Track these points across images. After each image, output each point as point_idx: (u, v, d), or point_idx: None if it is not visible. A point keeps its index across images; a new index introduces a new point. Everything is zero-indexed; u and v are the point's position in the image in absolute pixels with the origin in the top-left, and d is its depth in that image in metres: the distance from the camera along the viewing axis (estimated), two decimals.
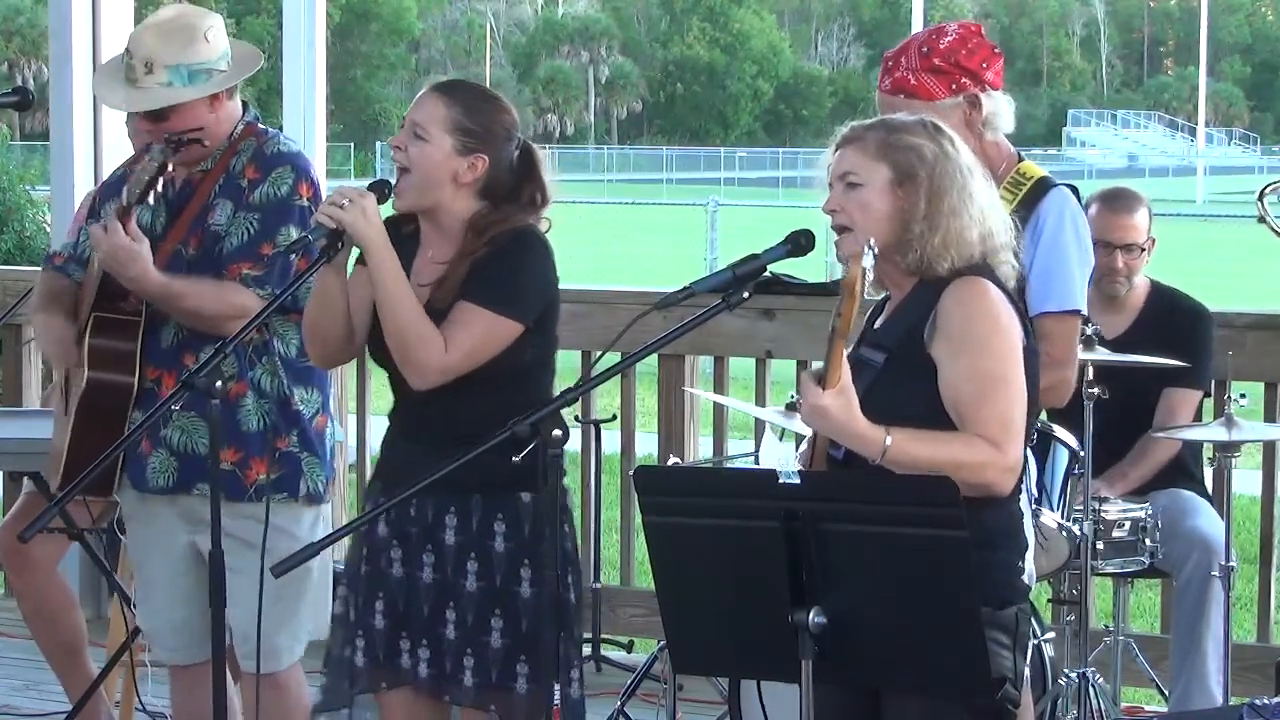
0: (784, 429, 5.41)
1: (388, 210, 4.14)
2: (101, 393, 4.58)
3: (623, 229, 34.51)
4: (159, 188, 4.47)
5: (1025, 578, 3.76)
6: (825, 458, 3.73)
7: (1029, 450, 3.77)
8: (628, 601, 6.90)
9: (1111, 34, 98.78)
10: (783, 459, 3.60)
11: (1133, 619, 7.96)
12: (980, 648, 3.42)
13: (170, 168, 4.48)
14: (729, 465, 6.40)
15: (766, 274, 3.74)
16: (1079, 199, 4.59)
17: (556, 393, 3.73)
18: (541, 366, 4.21)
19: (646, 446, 7.41)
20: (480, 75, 77.88)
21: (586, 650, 6.64)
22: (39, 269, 5.07)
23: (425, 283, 4.13)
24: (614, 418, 6.80)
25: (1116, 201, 5.80)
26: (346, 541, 4.33)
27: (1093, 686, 5.21)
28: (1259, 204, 5.25)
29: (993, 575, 3.60)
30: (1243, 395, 5.47)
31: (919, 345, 3.64)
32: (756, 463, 5.58)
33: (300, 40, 7.07)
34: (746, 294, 3.67)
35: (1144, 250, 5.78)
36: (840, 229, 3.71)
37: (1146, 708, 6.36)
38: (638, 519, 4.80)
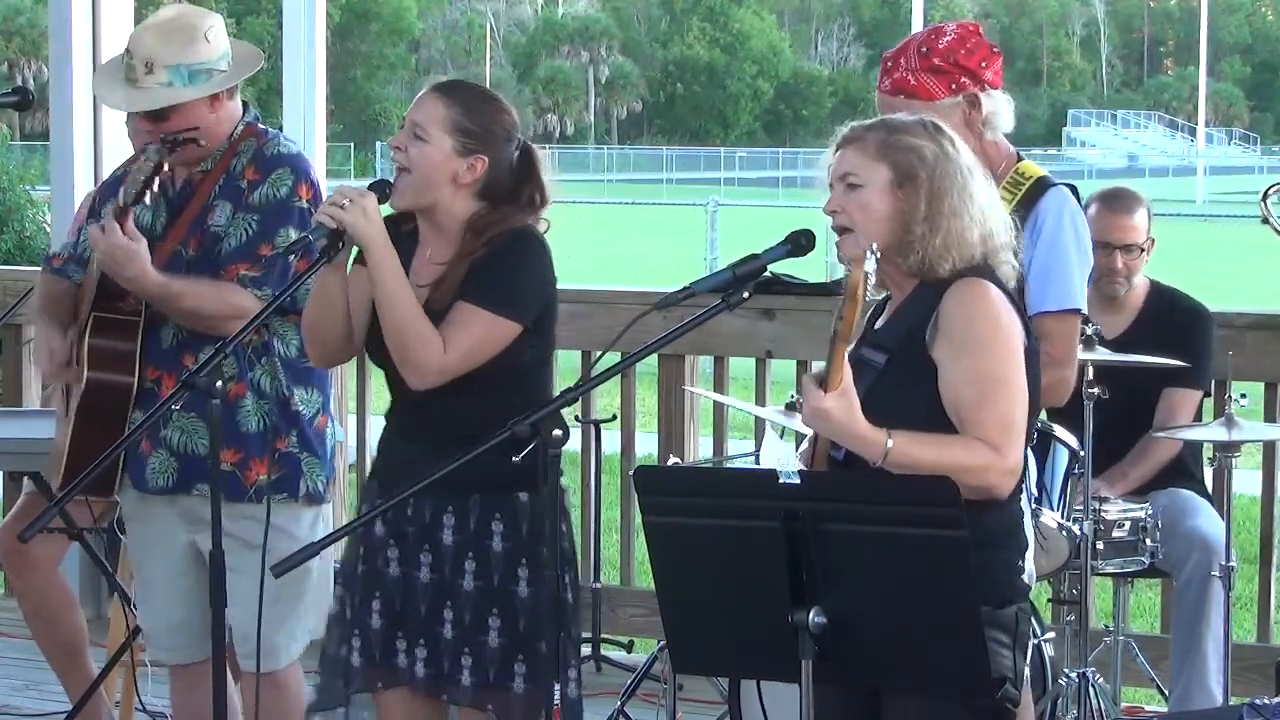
0: (784, 428, 5.41)
1: (387, 210, 4.15)
2: (101, 393, 4.58)
3: (623, 229, 34.51)
4: (155, 187, 4.46)
5: (1025, 577, 3.76)
6: (826, 458, 3.73)
7: (1029, 450, 3.77)
8: (628, 601, 6.90)
9: (1111, 34, 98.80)
10: (783, 459, 3.59)
11: (1133, 619, 7.96)
12: (980, 648, 3.42)
13: (166, 167, 4.48)
14: (729, 465, 6.40)
15: (766, 274, 3.74)
16: (1078, 198, 4.59)
17: (556, 392, 3.73)
18: (540, 366, 4.22)
19: (646, 446, 7.41)
20: (480, 75, 77.87)
21: (586, 650, 6.65)
22: (39, 269, 5.07)
23: (423, 283, 4.13)
24: (614, 418, 6.80)
25: (1116, 202, 5.80)
26: (345, 541, 4.33)
27: (1093, 686, 5.21)
28: (1262, 205, 5.24)
29: (993, 575, 3.60)
30: (1243, 395, 5.47)
31: (920, 346, 3.64)
32: (757, 463, 5.58)
33: (300, 40, 7.07)
34: (746, 294, 3.67)
35: (1143, 250, 5.78)
36: (841, 230, 3.71)
37: (1146, 708, 6.36)
38: (638, 519, 4.80)
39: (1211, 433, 5.40)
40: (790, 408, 5.43)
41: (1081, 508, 5.03)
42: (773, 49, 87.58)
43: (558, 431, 3.53)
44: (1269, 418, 6.23)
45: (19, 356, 7.44)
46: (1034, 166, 4.57)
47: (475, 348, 4.07)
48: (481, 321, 4.07)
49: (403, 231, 4.17)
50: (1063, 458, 4.95)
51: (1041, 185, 4.50)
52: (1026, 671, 3.79)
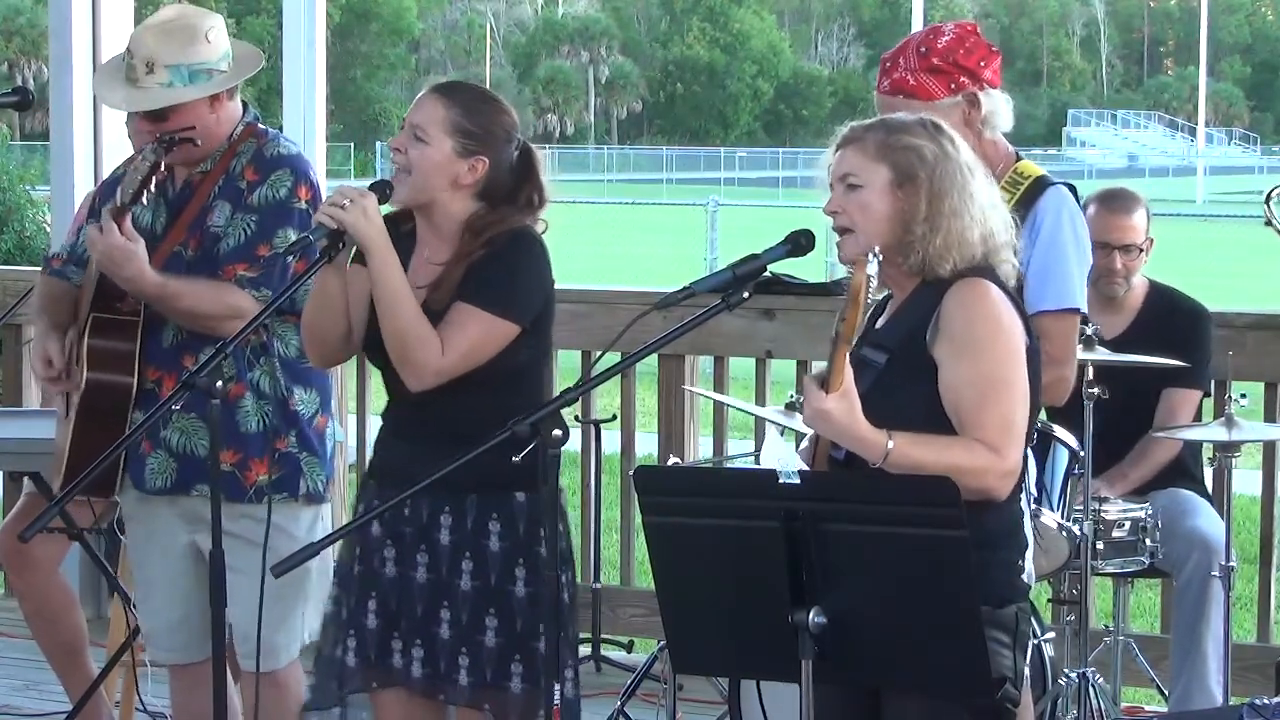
0: (784, 427, 5.41)
1: (385, 209, 4.15)
2: (100, 393, 4.58)
3: (623, 229, 34.51)
4: (153, 187, 4.46)
5: (1025, 577, 3.76)
6: (827, 458, 3.73)
7: (1029, 450, 3.77)
8: (628, 601, 6.90)
9: (1111, 34, 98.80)
10: (784, 459, 3.59)
11: (1133, 619, 7.96)
12: (980, 648, 3.42)
13: (164, 168, 4.48)
14: (729, 465, 6.41)
15: (766, 274, 3.75)
16: (1077, 198, 4.60)
17: (553, 391, 3.73)
18: (536, 367, 4.22)
19: (646, 446, 7.41)
20: (480, 75, 77.90)
21: (586, 650, 6.65)
22: (39, 269, 5.07)
23: (421, 283, 4.13)
24: (614, 418, 6.81)
25: (1114, 202, 5.80)
26: (342, 540, 4.33)
27: (1093, 686, 5.21)
28: (1266, 208, 5.24)
29: (992, 574, 3.60)
30: (1243, 395, 5.47)
31: (921, 346, 3.64)
32: (757, 463, 5.58)
33: (300, 40, 7.07)
34: (746, 294, 3.67)
35: (1142, 251, 5.79)
36: (842, 230, 3.71)
37: (1146, 708, 6.36)
38: (638, 519, 4.80)
39: (1211, 433, 5.40)
40: (790, 408, 5.44)
41: (1081, 508, 5.03)
42: (773, 49, 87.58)
43: (557, 432, 3.53)
44: (1269, 418, 6.23)
45: (19, 356, 7.44)
46: (1033, 166, 4.57)
47: (473, 349, 4.07)
48: (480, 323, 4.07)
49: (401, 231, 4.17)
50: (1063, 458, 4.95)
51: (1040, 184, 4.50)
52: (1026, 671, 3.79)
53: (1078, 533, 4.98)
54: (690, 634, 3.61)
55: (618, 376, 4.40)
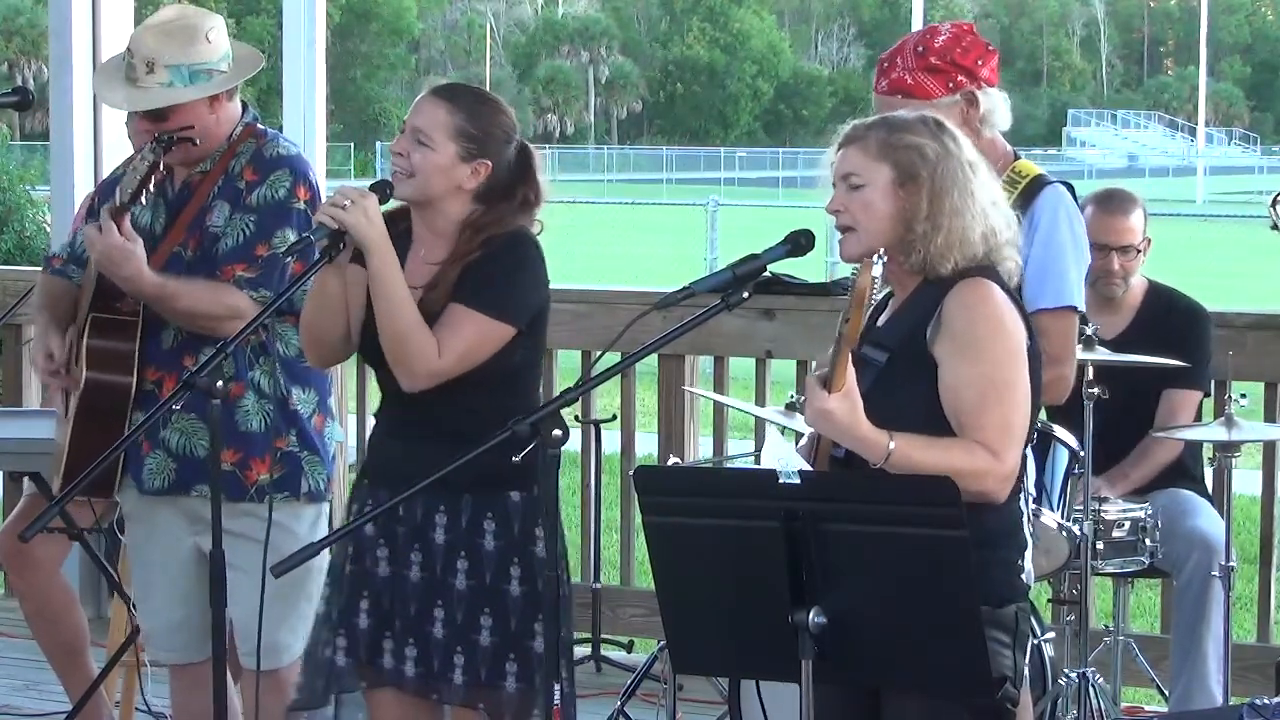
0: (784, 427, 5.41)
1: (384, 208, 4.15)
2: (100, 393, 4.58)
3: (623, 229, 34.49)
4: (152, 187, 4.46)
5: (1024, 577, 3.76)
6: (828, 457, 3.73)
7: (1029, 450, 3.77)
8: (628, 601, 6.90)
9: (1111, 34, 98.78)
10: (785, 458, 3.59)
11: (1133, 619, 7.96)
12: (980, 647, 3.42)
13: (162, 167, 4.48)
14: (729, 465, 6.40)
15: (766, 274, 3.75)
16: (1074, 196, 4.60)
17: (545, 390, 3.73)
18: (530, 368, 4.24)
19: (646, 446, 7.41)
20: (480, 75, 77.92)
21: (586, 650, 6.65)
22: (39, 269, 5.07)
23: (417, 283, 4.13)
24: (614, 418, 6.81)
25: (1111, 203, 5.80)
26: None
27: (1093, 686, 5.21)
28: (1271, 210, 5.23)
29: (992, 574, 3.61)
30: (1243, 395, 5.47)
31: (921, 346, 3.64)
32: (757, 463, 5.58)
33: (300, 40, 7.07)
34: (746, 294, 3.67)
35: (1140, 251, 5.79)
36: (844, 229, 3.71)
37: (1146, 708, 6.36)
38: (638, 519, 4.80)
39: (1211, 433, 5.40)
40: (790, 408, 5.44)
41: (1081, 508, 5.03)
42: (773, 49, 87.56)
43: (557, 432, 3.53)
44: (1269, 418, 6.23)
45: (19, 356, 7.44)
46: (1031, 165, 4.58)
47: (469, 351, 4.08)
48: (476, 325, 4.08)
49: (396, 230, 4.17)
50: (1063, 458, 4.95)
51: (1038, 183, 4.51)
52: (1026, 671, 3.79)
53: (1078, 533, 4.98)
54: (690, 634, 3.61)
55: (618, 376, 4.39)
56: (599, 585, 6.79)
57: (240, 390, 4.57)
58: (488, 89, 4.48)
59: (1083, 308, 4.57)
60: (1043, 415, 4.70)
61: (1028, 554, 3.80)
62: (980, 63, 4.47)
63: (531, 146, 4.25)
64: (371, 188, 4.11)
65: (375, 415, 4.34)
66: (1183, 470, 5.81)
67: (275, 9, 54.23)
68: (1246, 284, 24.28)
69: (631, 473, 4.78)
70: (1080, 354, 4.78)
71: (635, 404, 6.96)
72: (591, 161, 62.95)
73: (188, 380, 3.94)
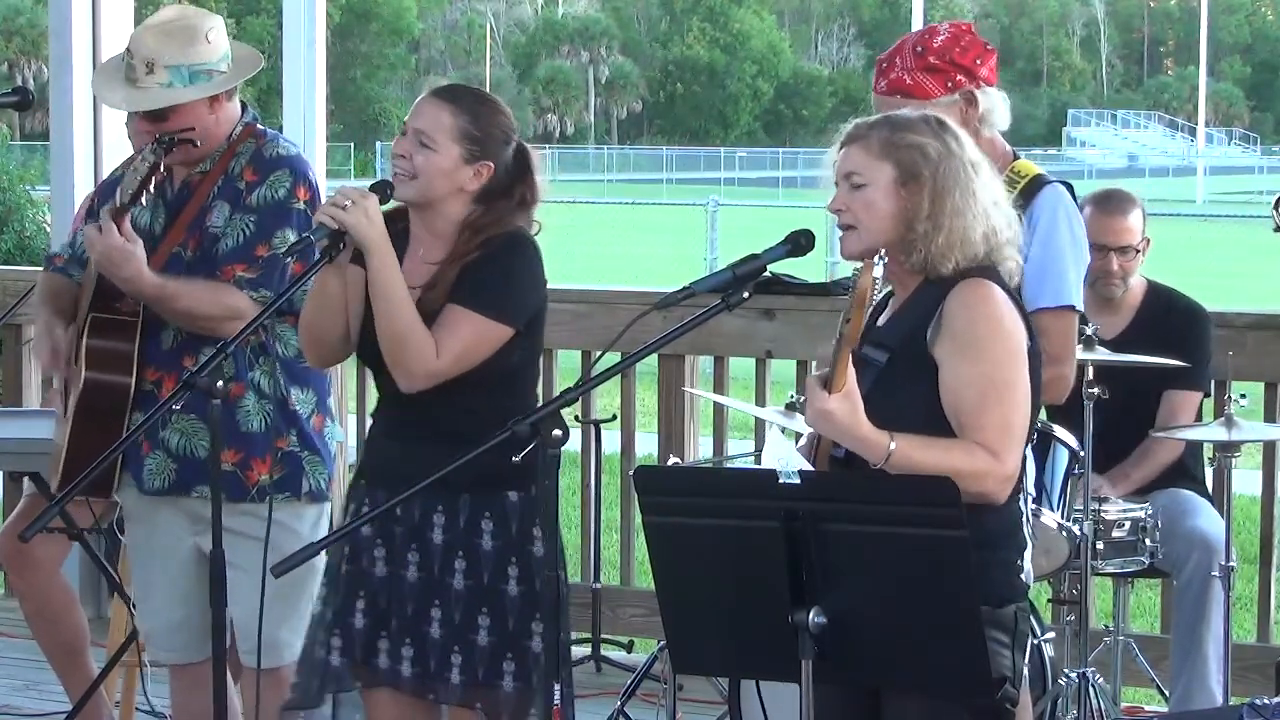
0: (783, 427, 5.41)
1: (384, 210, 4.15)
2: (99, 393, 4.58)
3: (623, 229, 34.50)
4: (152, 188, 4.46)
5: (1024, 576, 3.76)
6: (828, 456, 3.73)
7: (1029, 450, 3.77)
8: (628, 601, 6.90)
9: (1111, 34, 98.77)
10: (786, 458, 3.59)
11: (1133, 619, 7.96)
12: (980, 648, 3.42)
13: (162, 168, 4.48)
14: (729, 465, 6.40)
15: (766, 274, 3.75)
16: (1073, 196, 4.60)
17: (542, 390, 3.73)
18: (527, 368, 4.25)
19: (646, 446, 7.41)
20: (480, 75, 77.93)
21: (586, 650, 6.65)
22: (39, 269, 5.07)
23: (416, 283, 4.13)
24: (614, 418, 6.81)
25: (1109, 204, 5.80)
26: None
27: (1093, 686, 5.21)
28: (1274, 213, 5.23)
29: (992, 574, 3.60)
30: (1243, 395, 5.48)
31: (922, 346, 3.64)
32: (757, 462, 5.58)
33: (300, 40, 7.07)
34: (746, 294, 3.67)
35: (1138, 251, 5.79)
36: (845, 228, 3.71)
37: (1146, 708, 6.36)
38: (638, 519, 4.80)
39: (1211, 433, 5.41)
40: (790, 408, 5.44)
41: (1081, 508, 5.03)
42: (773, 49, 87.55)
43: (557, 432, 3.53)
44: (1269, 418, 6.23)
45: (19, 356, 7.44)
46: (1030, 165, 4.58)
47: (467, 351, 4.09)
48: (474, 325, 4.09)
49: (395, 230, 4.17)
50: (1063, 458, 4.95)
51: (1037, 183, 4.51)
52: (1025, 671, 3.79)
53: (1078, 533, 4.98)
54: (690, 634, 3.61)
55: (618, 376, 4.40)
56: (599, 585, 6.78)
57: (240, 390, 4.57)
58: (488, 89, 4.49)
59: (1081, 307, 4.57)
60: (1043, 415, 4.71)
61: (1027, 554, 3.80)
62: (979, 62, 4.47)
63: (528, 146, 4.26)
64: (372, 188, 4.12)
65: (372, 415, 4.35)
66: (1183, 470, 5.81)
67: (275, 9, 54.24)
68: (1246, 284, 24.28)
69: (631, 473, 4.78)
70: (1080, 354, 4.78)
71: (635, 404, 6.96)
72: (591, 161, 62.95)
73: (188, 380, 3.95)
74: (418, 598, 4.17)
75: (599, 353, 4.96)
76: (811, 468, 3.69)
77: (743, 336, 6.58)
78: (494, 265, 4.12)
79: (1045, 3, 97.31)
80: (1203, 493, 5.84)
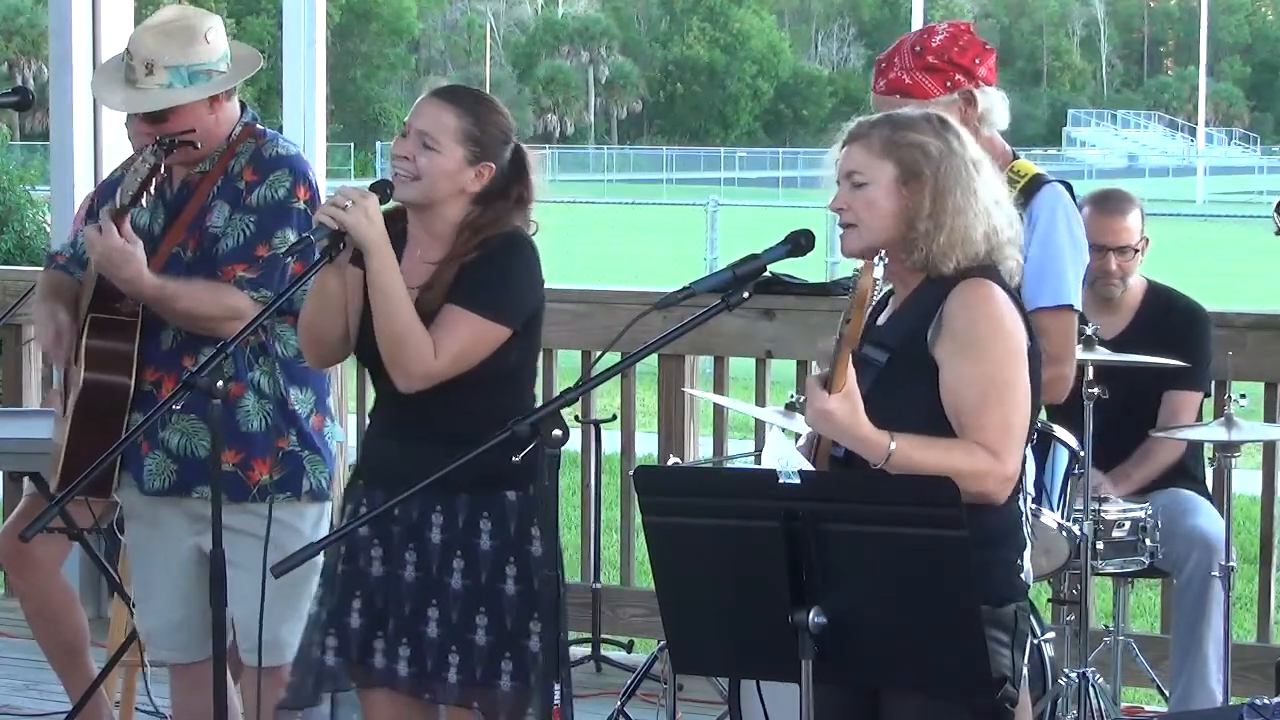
0: (783, 428, 5.41)
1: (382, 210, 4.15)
2: (98, 393, 4.58)
3: (623, 229, 34.50)
4: (152, 189, 4.46)
5: (1023, 576, 3.76)
6: (828, 456, 3.73)
7: (1029, 449, 3.77)
8: (628, 601, 6.90)
9: (1111, 34, 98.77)
10: (786, 458, 3.59)
11: (1133, 619, 7.96)
12: (980, 648, 3.42)
13: (163, 169, 4.48)
14: (729, 465, 6.40)
15: (766, 274, 3.75)
16: (1073, 195, 4.60)
17: (539, 390, 3.73)
18: (525, 368, 4.25)
19: (646, 446, 7.41)
20: (480, 75, 77.93)
21: (586, 650, 6.65)
22: (39, 269, 5.07)
23: (414, 284, 4.13)
24: (614, 418, 6.81)
25: (1108, 204, 5.80)
26: None
27: (1093, 686, 5.21)
28: (1275, 217, 5.23)
29: (992, 574, 3.60)
30: (1243, 395, 5.48)
31: (922, 346, 3.64)
32: (757, 462, 5.58)
33: (300, 40, 7.07)
34: (746, 294, 3.67)
35: (1137, 251, 5.80)
36: (846, 226, 3.71)
37: (1146, 708, 6.36)
38: (638, 519, 4.80)
39: (1211, 433, 5.41)
40: (790, 408, 5.44)
41: (1081, 508, 5.03)
42: (773, 49, 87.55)
43: (557, 432, 3.53)
44: (1269, 418, 6.23)
45: (19, 356, 7.44)
46: (1029, 164, 4.58)
47: (465, 352, 4.09)
48: (472, 326, 4.09)
49: (394, 230, 4.17)
50: (1063, 458, 4.95)
51: (1036, 183, 4.51)
52: (1025, 671, 3.79)
53: (1078, 533, 4.98)
54: (690, 634, 3.61)
55: (618, 376, 4.40)
56: (599, 585, 6.78)
57: (240, 390, 4.57)
58: (488, 89, 4.49)
59: (1080, 307, 4.57)
60: (1043, 415, 4.71)
61: (1027, 553, 3.80)
62: (977, 61, 4.48)
63: (524, 146, 4.26)
64: (372, 188, 4.12)
65: (370, 415, 4.35)
66: (1184, 470, 5.82)
67: (275, 9, 54.23)
68: (1246, 284, 24.29)
69: (631, 473, 4.78)
70: (1080, 354, 4.79)
71: (635, 404, 6.97)
72: (591, 161, 62.94)
73: (188, 380, 3.95)
74: (415, 597, 4.18)
75: (599, 353, 4.96)
76: (811, 468, 3.69)
77: (743, 336, 6.58)
78: (492, 265, 4.12)
79: (1045, 3, 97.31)
80: (1203, 492, 5.84)
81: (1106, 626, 5.88)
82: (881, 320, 3.78)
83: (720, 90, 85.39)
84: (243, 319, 4.33)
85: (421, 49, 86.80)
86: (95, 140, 7.16)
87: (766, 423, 5.71)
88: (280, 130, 5.82)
